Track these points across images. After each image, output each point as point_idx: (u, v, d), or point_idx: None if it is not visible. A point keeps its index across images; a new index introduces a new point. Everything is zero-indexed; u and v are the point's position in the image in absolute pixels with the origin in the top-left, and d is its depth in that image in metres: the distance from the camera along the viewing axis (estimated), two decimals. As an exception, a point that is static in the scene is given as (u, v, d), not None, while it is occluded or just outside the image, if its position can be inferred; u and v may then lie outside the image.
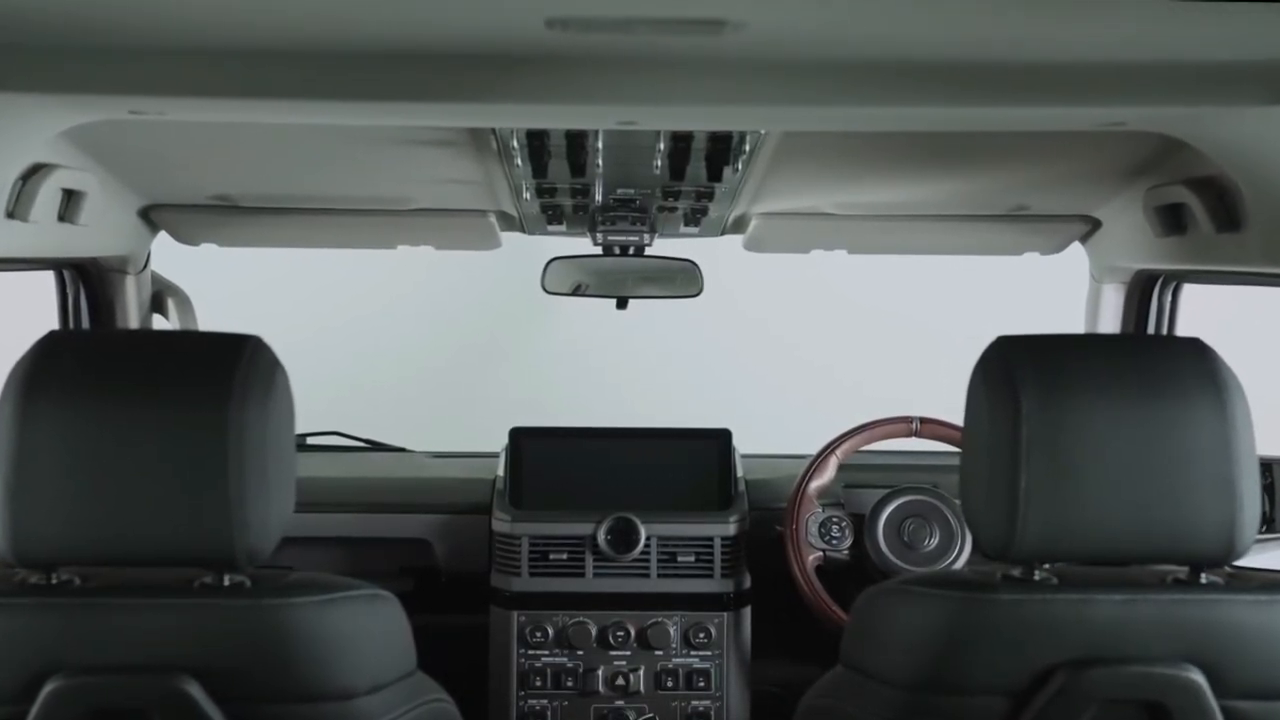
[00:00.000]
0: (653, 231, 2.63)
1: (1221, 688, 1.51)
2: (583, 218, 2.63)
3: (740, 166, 2.23)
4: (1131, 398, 1.50)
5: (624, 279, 2.76)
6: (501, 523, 2.59)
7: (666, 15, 1.37)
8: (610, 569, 2.55)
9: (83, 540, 1.42)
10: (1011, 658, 1.53)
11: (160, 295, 2.79)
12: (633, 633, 2.55)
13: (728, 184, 2.34)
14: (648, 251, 2.68)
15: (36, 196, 1.90)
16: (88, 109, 1.72)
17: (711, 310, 3.44)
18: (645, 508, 2.57)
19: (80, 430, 1.40)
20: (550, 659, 2.55)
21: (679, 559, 2.56)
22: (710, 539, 2.57)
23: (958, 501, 2.50)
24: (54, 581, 1.46)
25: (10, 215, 1.87)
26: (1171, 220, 2.18)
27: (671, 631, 2.55)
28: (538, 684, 2.55)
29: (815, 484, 2.58)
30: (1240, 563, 1.54)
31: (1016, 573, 1.56)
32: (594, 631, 2.54)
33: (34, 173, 1.91)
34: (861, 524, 2.56)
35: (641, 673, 2.55)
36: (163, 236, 2.70)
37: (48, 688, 1.42)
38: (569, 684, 2.55)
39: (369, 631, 1.54)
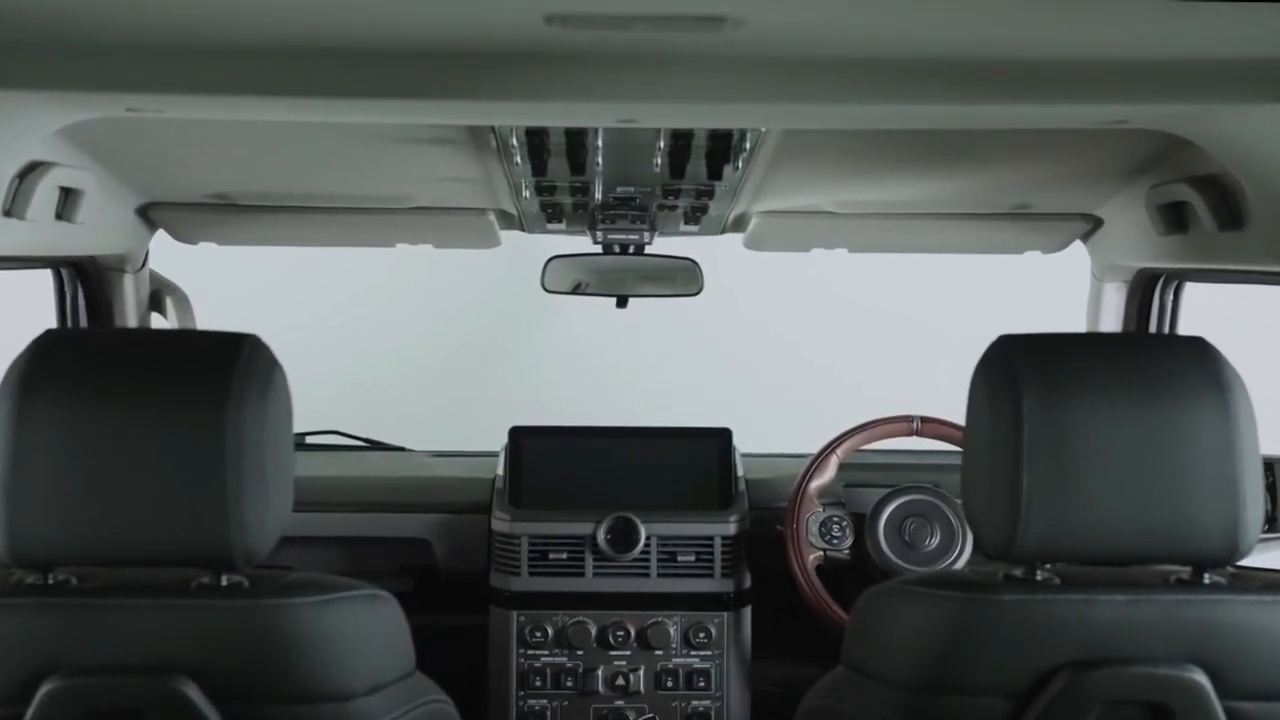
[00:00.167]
0: (653, 230, 2.63)
1: (1225, 689, 1.50)
2: (582, 216, 2.62)
3: (740, 164, 2.22)
4: (1134, 397, 1.49)
5: (624, 277, 2.75)
6: (501, 522, 2.58)
7: (666, 12, 1.36)
8: (610, 569, 2.55)
9: (80, 540, 1.41)
10: (1013, 658, 1.52)
11: (158, 294, 2.79)
12: (633, 632, 2.54)
13: (728, 182, 2.33)
14: (647, 250, 2.67)
15: (34, 194, 1.89)
16: (84, 107, 1.71)
17: (712, 309, 3.44)
18: (645, 507, 2.56)
19: (77, 430, 1.40)
20: (550, 659, 2.55)
21: (679, 559, 2.56)
22: (710, 538, 2.56)
23: (959, 501, 2.50)
24: (51, 582, 1.45)
25: (7, 213, 1.86)
26: (1174, 219, 2.18)
27: (671, 631, 2.55)
28: (537, 684, 2.54)
29: (816, 483, 2.58)
30: (1243, 562, 1.53)
31: (1018, 573, 1.55)
32: (594, 631, 2.54)
33: (31, 171, 1.90)
34: (862, 523, 2.56)
35: (641, 673, 2.55)
36: (161, 235, 2.69)
37: (44, 688, 1.42)
38: (569, 684, 2.54)
39: (368, 632, 1.54)
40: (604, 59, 1.55)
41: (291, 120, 1.93)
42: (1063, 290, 2.97)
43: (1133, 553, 1.52)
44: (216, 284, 3.07)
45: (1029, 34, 1.46)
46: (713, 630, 2.55)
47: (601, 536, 2.53)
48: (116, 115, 1.74)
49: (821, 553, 2.56)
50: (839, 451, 2.60)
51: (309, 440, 3.04)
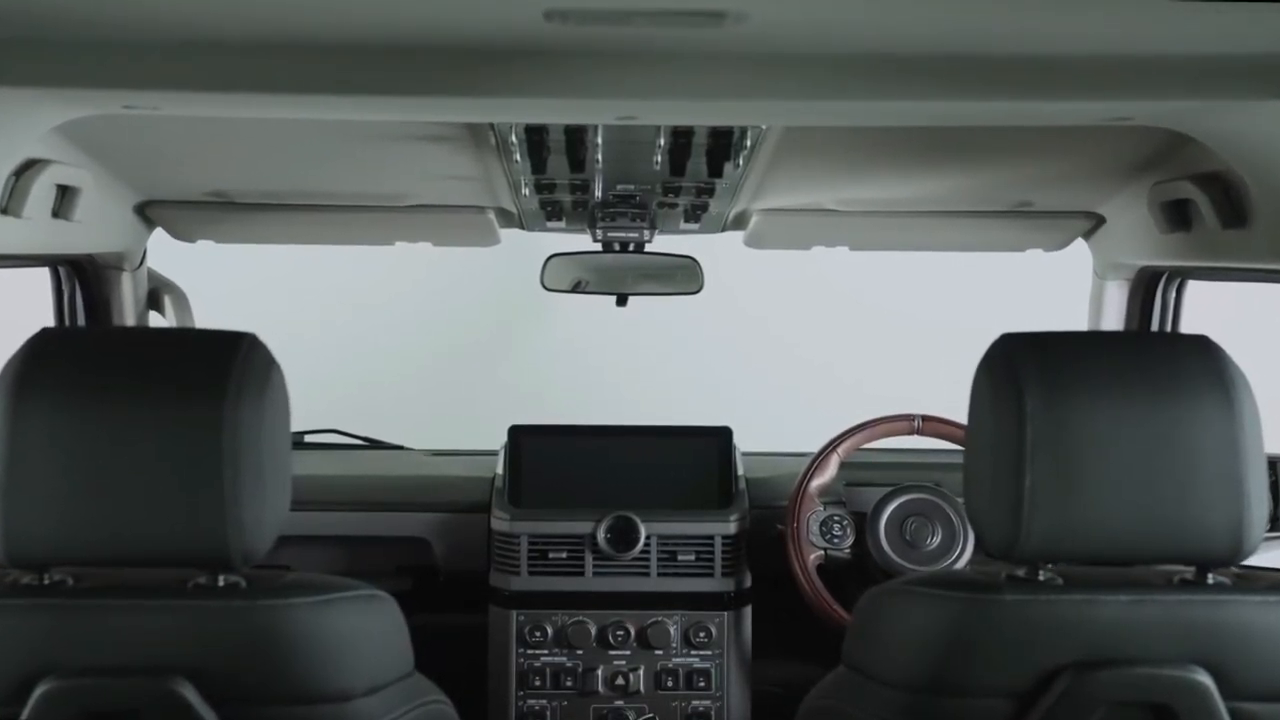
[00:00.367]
0: (653, 228, 2.62)
1: (1229, 689, 1.49)
2: (582, 214, 2.61)
3: (741, 162, 2.21)
4: (1137, 396, 1.48)
5: (624, 276, 2.74)
6: (500, 521, 2.57)
7: (667, 7, 1.35)
8: (610, 568, 2.54)
9: (76, 540, 1.40)
10: (1016, 659, 1.52)
11: (156, 292, 2.78)
12: (632, 632, 2.54)
13: (728, 180, 2.32)
14: (648, 248, 2.66)
15: (30, 192, 1.88)
16: (81, 104, 1.70)
17: (712, 308, 3.43)
18: (645, 506, 2.55)
19: (72, 429, 1.39)
20: (549, 659, 2.54)
21: (679, 558, 2.55)
22: (710, 538, 2.55)
23: (960, 500, 2.48)
24: (46, 582, 1.45)
25: (3, 211, 1.86)
26: (1176, 216, 2.17)
27: (671, 631, 2.54)
28: (537, 684, 2.54)
29: (816, 482, 2.57)
30: (1248, 562, 1.52)
31: (1021, 573, 1.54)
32: (593, 631, 2.53)
33: (27, 168, 1.89)
34: (863, 522, 2.55)
35: (641, 672, 2.54)
36: (159, 233, 2.68)
37: (40, 689, 1.41)
38: (568, 684, 2.54)
39: (366, 632, 1.53)
40: (604, 55, 1.54)
41: (290, 117, 1.92)
42: (1064, 289, 2.96)
43: (1136, 553, 1.51)
44: (215, 282, 3.06)
45: (1032, 30, 1.45)
46: (713, 630, 2.55)
47: (601, 536, 2.52)
48: (113, 112, 1.73)
49: (822, 552, 2.55)
50: (840, 450, 2.59)
51: (307, 439, 3.03)
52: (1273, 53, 1.49)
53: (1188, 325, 2.68)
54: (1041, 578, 1.53)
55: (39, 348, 1.44)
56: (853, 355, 4.43)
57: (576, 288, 2.73)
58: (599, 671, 2.53)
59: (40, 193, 1.93)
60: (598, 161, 2.20)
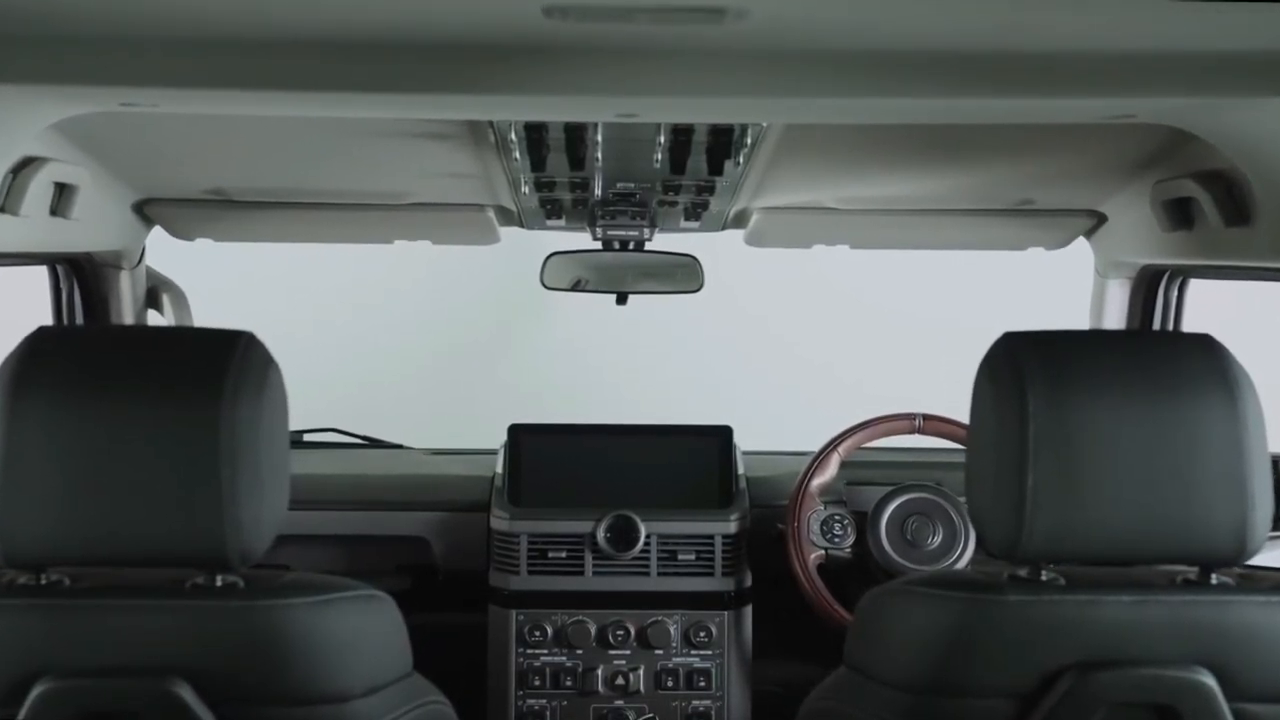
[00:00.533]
0: (653, 226, 2.61)
1: (1233, 690, 1.49)
2: (582, 212, 2.61)
3: (741, 160, 2.20)
4: (1141, 395, 1.47)
5: (624, 274, 2.73)
6: (500, 520, 2.56)
7: (667, 4, 1.35)
8: (610, 567, 2.53)
9: (72, 540, 1.40)
10: (1018, 659, 1.51)
11: (155, 291, 2.77)
12: (632, 632, 2.53)
13: (729, 178, 2.31)
14: (648, 246, 2.66)
15: (27, 190, 1.88)
16: (78, 101, 1.69)
17: (712, 306, 3.42)
18: (645, 505, 2.55)
19: (69, 428, 1.38)
20: (549, 658, 2.53)
21: (679, 557, 2.54)
22: (711, 537, 2.55)
23: (961, 499, 2.48)
24: (43, 582, 1.44)
25: (1, 209, 1.85)
26: (1179, 215, 2.16)
27: (672, 630, 2.53)
28: (536, 683, 2.53)
29: (817, 481, 2.56)
30: (1252, 562, 1.51)
31: (1023, 573, 1.54)
32: (593, 630, 2.52)
33: (25, 166, 1.88)
34: (864, 522, 2.54)
35: (641, 672, 2.53)
36: (158, 231, 2.68)
37: (36, 690, 1.40)
38: (568, 683, 2.53)
39: (365, 633, 1.52)
40: (603, 52, 1.54)
41: (288, 115, 1.91)
42: (1065, 288, 2.95)
43: (1139, 553, 1.50)
44: (214, 281, 3.05)
45: (1035, 26, 1.44)
46: (713, 629, 2.54)
47: (601, 535, 2.52)
48: (111, 110, 1.73)
49: (823, 551, 2.55)
50: (840, 449, 2.58)
51: (306, 438, 3.03)
52: (1277, 50, 1.49)
53: (1189, 324, 2.67)
54: (1044, 578, 1.53)
55: (35, 346, 1.43)
56: (853, 354, 4.43)
57: (576, 286, 2.72)
58: (599, 671, 2.53)
59: (38, 190, 1.92)
60: (597, 159, 2.19)
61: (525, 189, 2.42)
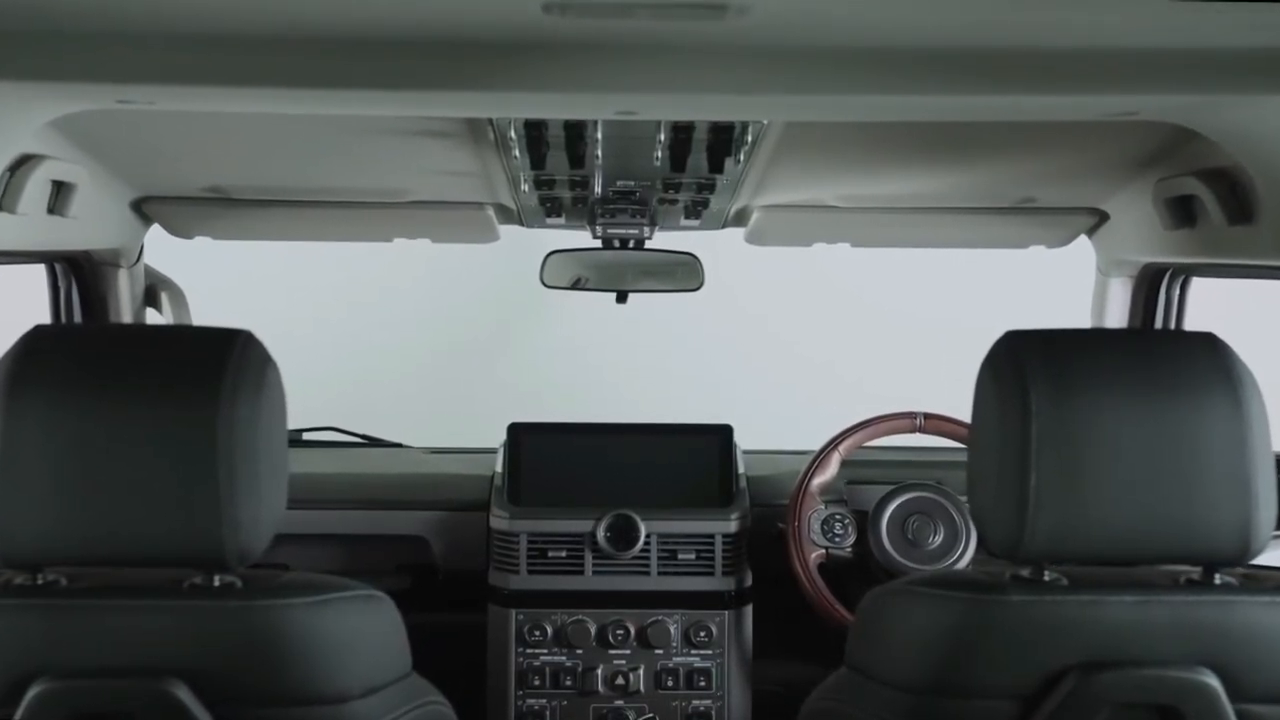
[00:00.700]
0: (653, 224, 2.61)
1: (1236, 691, 1.48)
2: (582, 210, 2.60)
3: (742, 158, 2.19)
4: (1144, 394, 1.47)
5: (623, 272, 2.73)
6: (500, 520, 2.56)
7: (667, 0, 1.34)
8: (610, 567, 2.53)
9: (69, 540, 1.39)
10: (1020, 660, 1.50)
11: (153, 289, 2.77)
12: (632, 631, 2.52)
13: (729, 176, 2.30)
14: (648, 245, 2.65)
15: (25, 188, 1.87)
16: (73, 98, 1.68)
17: (712, 305, 3.42)
18: (645, 504, 2.54)
19: (66, 427, 1.38)
20: (549, 658, 2.52)
21: (679, 556, 2.54)
22: (711, 536, 2.54)
23: (962, 498, 2.48)
24: (40, 582, 1.44)
25: None
26: (1181, 212, 2.15)
27: (672, 630, 2.52)
28: (536, 683, 2.52)
29: (818, 480, 2.56)
30: (1256, 561, 1.51)
31: (1025, 573, 1.53)
32: (593, 630, 2.52)
33: (22, 164, 1.88)
34: (864, 521, 2.54)
35: (641, 672, 2.52)
36: (156, 230, 2.67)
37: (33, 691, 1.40)
38: (568, 683, 2.52)
39: (363, 633, 1.52)
40: (603, 49, 1.53)
41: (286, 112, 1.90)
42: (1066, 286, 2.95)
43: (1142, 552, 1.49)
44: (213, 279, 3.04)
45: (1037, 23, 1.44)
46: (713, 629, 2.53)
47: (601, 534, 2.51)
48: (108, 107, 1.72)
49: (823, 551, 2.54)
50: (841, 448, 2.58)
51: (306, 437, 3.02)
52: None
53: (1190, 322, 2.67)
54: (1046, 578, 1.52)
55: (32, 345, 1.43)
56: (854, 353, 4.42)
57: (576, 285, 2.72)
58: (599, 671, 2.52)
59: (35, 188, 1.91)
60: (597, 157, 2.18)
61: (525, 187, 2.41)
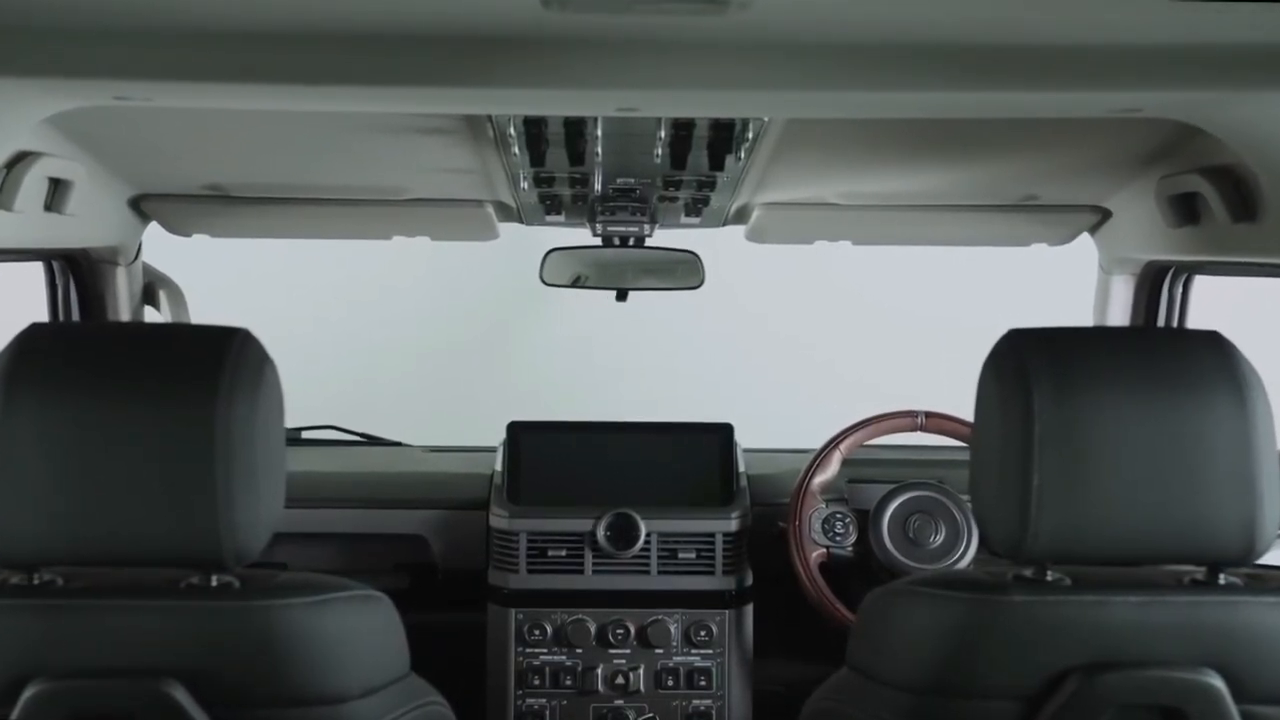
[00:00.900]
0: (653, 222, 2.60)
1: (1241, 692, 1.47)
2: (582, 208, 2.59)
3: (743, 155, 2.19)
4: (1148, 393, 1.46)
5: (624, 270, 2.72)
6: (499, 518, 2.55)
7: None
8: (610, 566, 2.52)
9: (65, 540, 1.38)
10: (1023, 661, 1.49)
11: (152, 287, 2.76)
12: (632, 631, 2.51)
13: (730, 173, 2.30)
14: (648, 242, 2.65)
15: (21, 185, 1.86)
16: (70, 95, 1.68)
17: (713, 303, 3.41)
18: (645, 503, 2.53)
19: (62, 426, 1.37)
20: (549, 657, 2.51)
21: (680, 555, 2.53)
22: (711, 535, 2.53)
23: (964, 497, 2.47)
24: (36, 582, 1.43)
25: None
26: (1184, 210, 2.14)
27: (672, 629, 2.52)
28: (536, 683, 2.51)
29: (818, 479, 2.55)
30: (1261, 561, 1.50)
31: (1028, 573, 1.52)
32: (593, 629, 2.51)
33: (19, 160, 1.87)
34: (865, 520, 2.53)
35: (641, 671, 2.52)
36: (154, 228, 2.66)
37: (29, 691, 1.39)
38: (568, 683, 2.51)
39: (361, 633, 1.51)
40: (603, 45, 1.52)
41: (285, 108, 1.89)
42: (1067, 285, 2.94)
43: (1146, 552, 1.48)
44: (211, 277, 3.04)
45: (1039, 20, 1.43)
46: (714, 628, 2.52)
47: (601, 533, 2.50)
48: (105, 104, 1.71)
49: (824, 550, 2.53)
50: (842, 447, 2.57)
51: (305, 435, 3.02)
52: None
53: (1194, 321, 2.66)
54: (1049, 578, 1.51)
55: (28, 343, 1.42)
56: (855, 351, 4.42)
57: (576, 283, 2.71)
58: (599, 670, 2.51)
59: (32, 186, 1.91)
60: (597, 154, 2.17)
61: (524, 184, 2.40)
